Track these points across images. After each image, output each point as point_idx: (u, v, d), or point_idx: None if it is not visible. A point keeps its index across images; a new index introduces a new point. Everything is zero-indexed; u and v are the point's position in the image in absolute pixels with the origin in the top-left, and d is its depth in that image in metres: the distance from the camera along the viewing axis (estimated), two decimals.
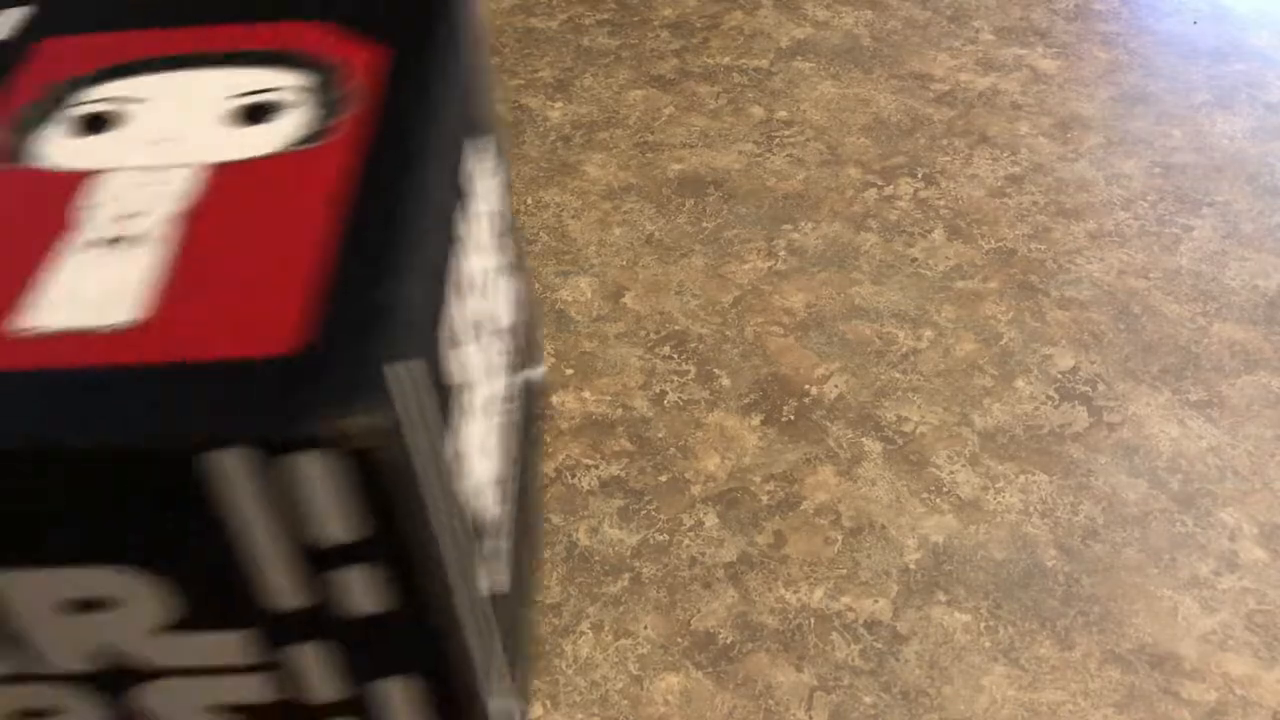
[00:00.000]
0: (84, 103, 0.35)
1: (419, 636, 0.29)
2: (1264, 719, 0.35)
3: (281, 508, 0.26)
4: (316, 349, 0.27)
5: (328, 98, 0.34)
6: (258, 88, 0.35)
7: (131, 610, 0.28)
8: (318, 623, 0.28)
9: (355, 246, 0.29)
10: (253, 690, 0.30)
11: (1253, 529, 0.43)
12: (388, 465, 0.26)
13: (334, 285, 0.28)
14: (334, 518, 0.26)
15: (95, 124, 0.34)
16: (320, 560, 0.27)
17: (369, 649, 0.29)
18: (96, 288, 0.28)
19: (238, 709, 0.31)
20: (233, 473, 0.25)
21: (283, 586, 0.28)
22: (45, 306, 0.28)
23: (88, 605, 0.28)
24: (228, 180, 0.31)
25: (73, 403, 0.26)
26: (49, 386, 0.26)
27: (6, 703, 0.30)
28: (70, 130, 0.34)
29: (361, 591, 0.28)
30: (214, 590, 0.28)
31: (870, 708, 0.35)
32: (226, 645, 0.29)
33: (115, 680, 0.30)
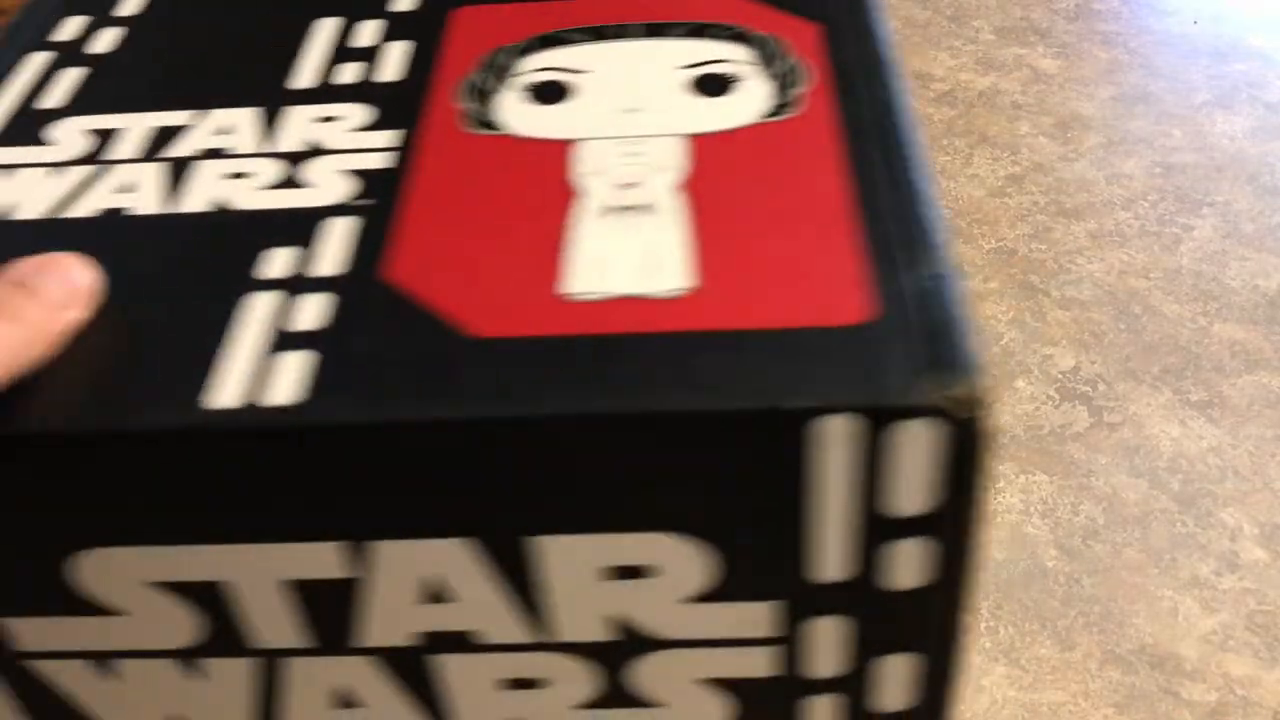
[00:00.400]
0: (528, 72, 0.35)
1: (941, 613, 0.29)
2: (1265, 719, 0.34)
3: (864, 477, 0.26)
4: (889, 318, 0.26)
5: (777, 70, 0.34)
6: (708, 59, 0.35)
7: (668, 579, 0.28)
8: (849, 596, 0.28)
9: (879, 216, 0.29)
10: (754, 664, 0.30)
11: (1253, 529, 0.43)
12: (976, 436, 0.25)
13: (878, 254, 0.28)
14: (911, 489, 0.26)
15: (549, 93, 0.34)
16: (878, 532, 0.27)
17: (888, 624, 0.29)
18: (630, 255, 0.28)
19: (728, 684, 0.30)
20: (832, 440, 0.25)
21: (833, 558, 0.27)
22: (583, 273, 0.28)
23: (626, 573, 0.28)
24: (715, 150, 0.31)
25: (659, 368, 0.25)
26: (622, 351, 0.26)
27: (494, 670, 0.30)
28: (526, 99, 0.34)
29: (906, 565, 0.27)
30: (759, 560, 0.27)
31: None
32: (749, 618, 0.29)
33: (618, 651, 0.30)
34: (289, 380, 0.26)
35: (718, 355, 0.26)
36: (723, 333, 0.26)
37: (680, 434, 0.25)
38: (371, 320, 0.27)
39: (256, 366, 0.26)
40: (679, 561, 0.27)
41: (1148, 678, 0.37)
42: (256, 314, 0.27)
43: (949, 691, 0.31)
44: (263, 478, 0.26)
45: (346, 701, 0.31)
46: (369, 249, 0.29)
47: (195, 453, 0.25)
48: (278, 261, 0.29)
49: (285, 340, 0.27)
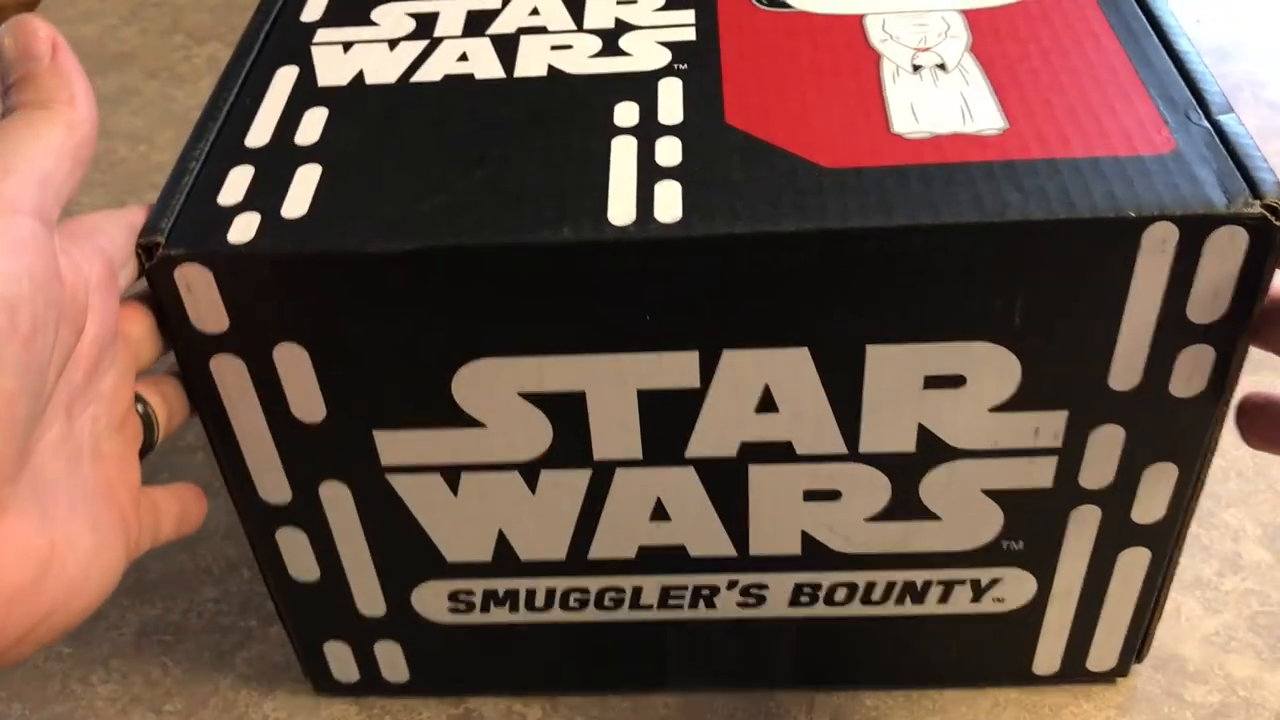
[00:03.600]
0: None
1: (1207, 423, 0.32)
2: None
3: (1175, 284, 0.29)
4: (1190, 147, 0.30)
5: None
6: None
7: (978, 386, 0.31)
8: (1136, 405, 0.32)
9: (1155, 70, 0.32)
10: (1033, 474, 0.33)
11: (1256, 530, 0.45)
12: (1272, 245, 0.29)
13: (1164, 99, 0.31)
14: (1209, 297, 0.29)
15: None
16: (1175, 339, 0.30)
17: (1161, 434, 0.32)
18: (943, 102, 0.32)
19: (1008, 495, 0.34)
20: (1155, 246, 0.29)
21: (1131, 366, 0.31)
22: (905, 116, 0.32)
23: (941, 381, 0.31)
24: (994, 22, 0.35)
25: (994, 186, 0.29)
26: (958, 175, 0.29)
27: (801, 481, 0.34)
28: None
29: (1191, 374, 0.31)
30: (1065, 368, 0.31)
31: (872, 709, 0.38)
32: (1043, 426, 0.32)
33: (916, 462, 0.33)
34: (667, 203, 0.30)
35: (1044, 178, 0.29)
36: (1044, 160, 0.30)
37: (1020, 243, 0.29)
38: (726, 157, 0.31)
39: (637, 193, 0.30)
40: (992, 369, 0.31)
41: (1150, 679, 0.40)
42: (623, 152, 0.31)
43: (1193, 507, 0.35)
44: (648, 287, 0.30)
45: (660, 513, 0.35)
46: (702, 102, 0.33)
47: (604, 263, 0.29)
48: (626, 113, 0.33)
49: (654, 172, 0.30)
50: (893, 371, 0.31)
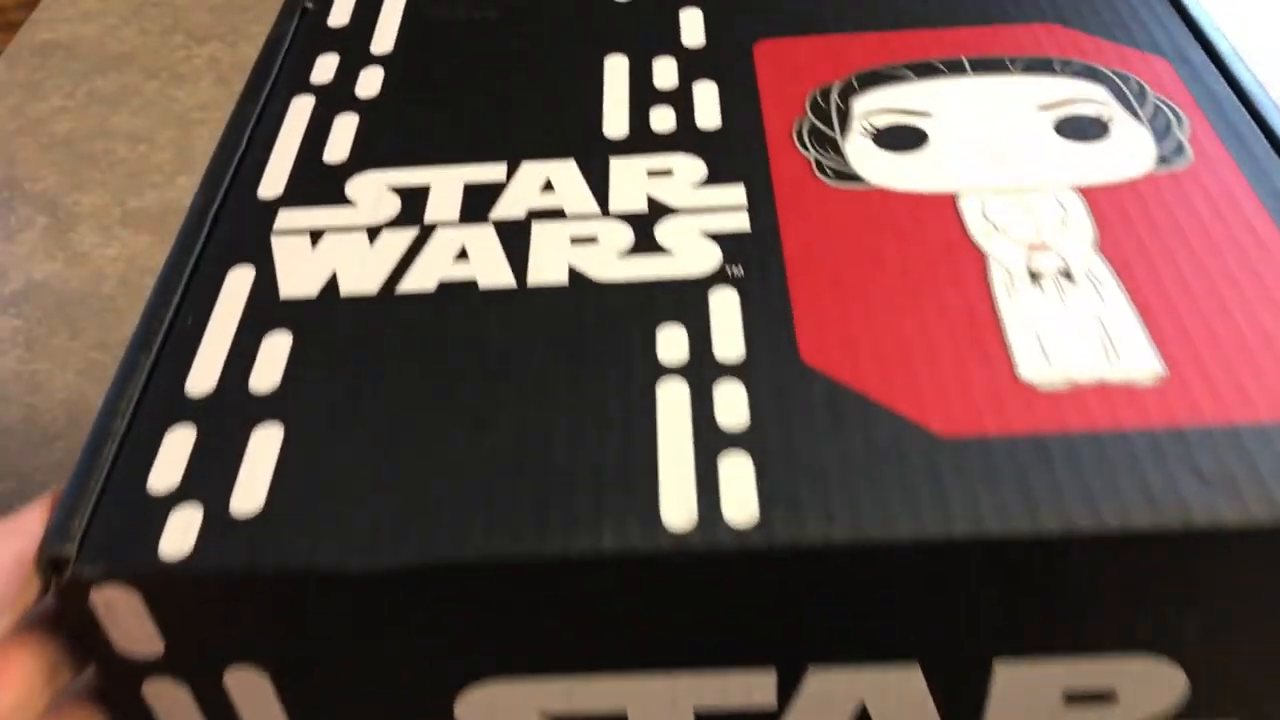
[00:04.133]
0: (867, 114, 0.32)
1: None
2: None
3: None
4: None
5: (1147, 111, 0.31)
6: (1068, 98, 0.31)
7: (1130, 702, 0.25)
8: None
9: None
10: None
11: None
12: None
13: None
14: None
15: (901, 139, 0.31)
16: None
17: None
18: (1079, 331, 0.25)
19: None
20: None
21: None
22: (1032, 354, 0.25)
23: (1085, 698, 0.25)
24: (1118, 205, 0.28)
25: (1162, 472, 0.22)
26: (1113, 451, 0.22)
27: None
28: (876, 145, 0.31)
29: None
30: (1235, 683, 0.24)
31: None
32: None
33: None
34: (737, 493, 0.23)
35: (1228, 454, 0.22)
36: (1223, 428, 0.23)
37: (1204, 552, 0.22)
38: (808, 418, 0.24)
39: (696, 474, 0.23)
40: (1151, 683, 0.24)
41: None
42: (673, 407, 0.24)
43: None
44: (714, 602, 0.23)
45: None
46: (768, 327, 0.26)
47: (657, 575, 0.22)
48: (672, 342, 0.26)
49: (715, 439, 0.23)
50: (1025, 688, 0.24)
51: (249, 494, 0.23)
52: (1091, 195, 0.28)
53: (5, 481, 0.48)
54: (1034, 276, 0.26)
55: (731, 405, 0.24)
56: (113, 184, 0.64)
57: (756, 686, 0.24)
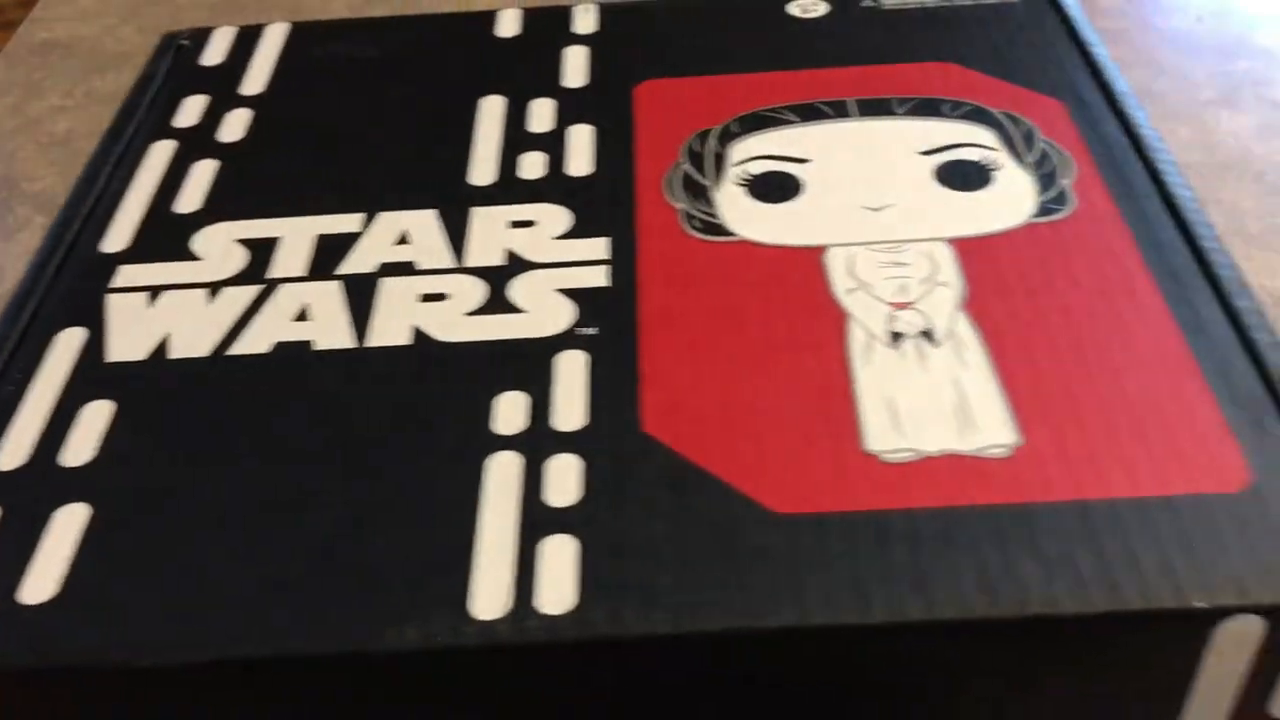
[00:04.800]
0: (743, 161, 0.30)
1: None
2: None
3: (1259, 680, 0.21)
4: (1271, 483, 0.22)
5: (1033, 157, 0.29)
6: (952, 143, 0.30)
7: None
8: None
9: (1212, 347, 0.24)
10: None
11: None
12: None
13: (1227, 395, 0.23)
14: None
15: (775, 188, 0.29)
16: None
17: None
18: (933, 399, 0.24)
19: None
20: (1233, 641, 0.21)
21: None
22: (882, 425, 0.23)
23: None
24: (990, 259, 0.27)
25: (1010, 553, 0.21)
26: (960, 531, 0.21)
27: None
28: (749, 195, 0.29)
29: None
30: None
31: None
32: None
33: None
34: (555, 578, 0.21)
35: (1074, 536, 0.21)
36: (1071, 504, 0.22)
37: (1042, 639, 0.21)
38: (641, 494, 0.22)
39: (516, 558, 0.22)
40: None
41: None
42: (501, 483, 0.23)
43: None
44: (524, 692, 0.21)
45: None
46: (612, 393, 0.24)
47: (466, 667, 0.21)
48: (511, 411, 0.24)
49: (541, 519, 0.22)
50: None
51: (42, 581, 0.22)
52: (965, 248, 0.27)
53: None
54: (895, 337, 0.25)
55: (562, 481, 0.23)
56: None
57: None
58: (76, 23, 0.77)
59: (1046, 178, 0.29)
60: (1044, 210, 0.28)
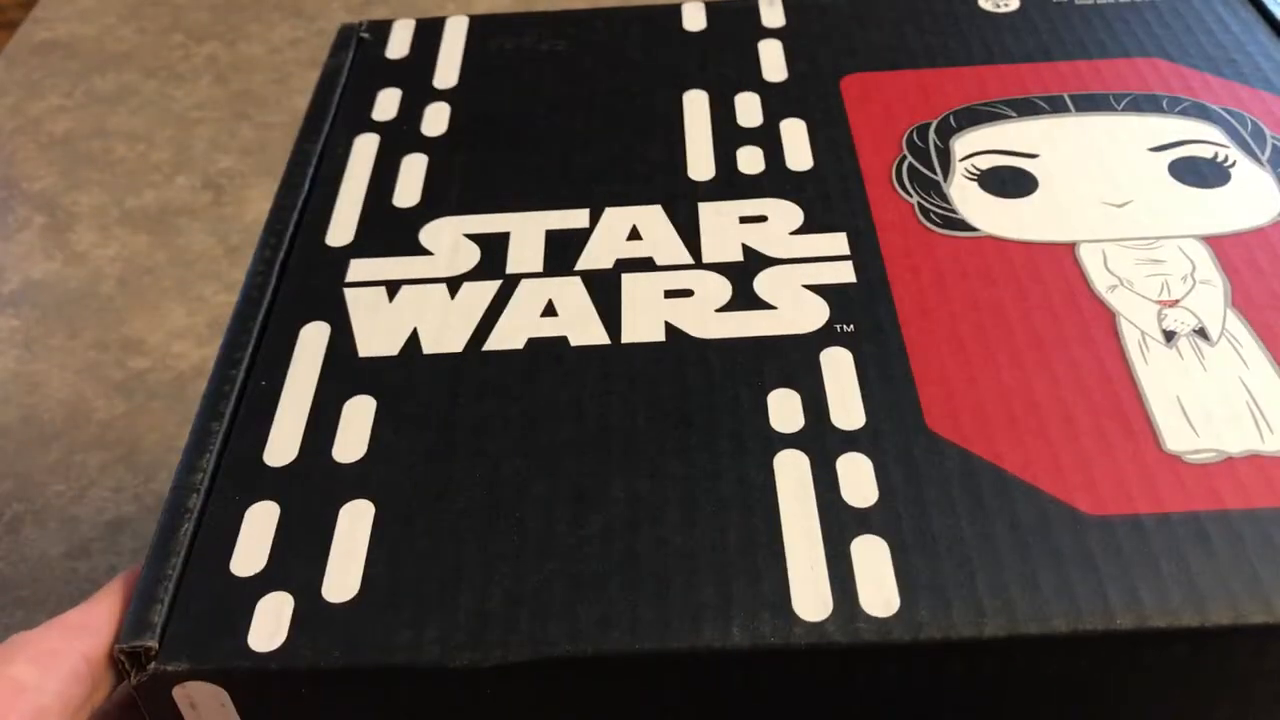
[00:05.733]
0: (970, 155, 0.30)
1: None
2: None
3: None
4: None
5: (1263, 152, 0.29)
6: (1182, 139, 0.30)
7: None
8: None
9: None
10: None
11: None
12: None
13: None
14: None
15: (1008, 182, 0.29)
16: None
17: None
18: (1223, 398, 0.23)
19: None
20: None
21: None
22: (1176, 425, 0.23)
23: None
24: (1248, 256, 0.26)
25: None
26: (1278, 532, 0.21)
27: None
28: (982, 189, 0.29)
29: None
30: None
31: None
32: None
33: None
34: (874, 580, 0.21)
35: None
36: None
37: None
38: (943, 495, 0.22)
39: (827, 560, 0.21)
40: None
41: None
42: (793, 485, 0.22)
43: None
44: (846, 695, 0.21)
45: None
46: (888, 393, 0.24)
47: (787, 670, 0.20)
48: (785, 409, 0.24)
49: (844, 522, 0.22)
50: None
51: (342, 580, 0.21)
52: (1218, 245, 0.27)
53: (4, 482, 0.47)
54: (1168, 336, 0.25)
55: (857, 482, 0.22)
56: (111, 183, 0.63)
57: None
58: (76, 23, 0.78)
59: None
60: None
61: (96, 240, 0.59)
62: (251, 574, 0.22)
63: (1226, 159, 0.29)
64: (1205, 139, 0.30)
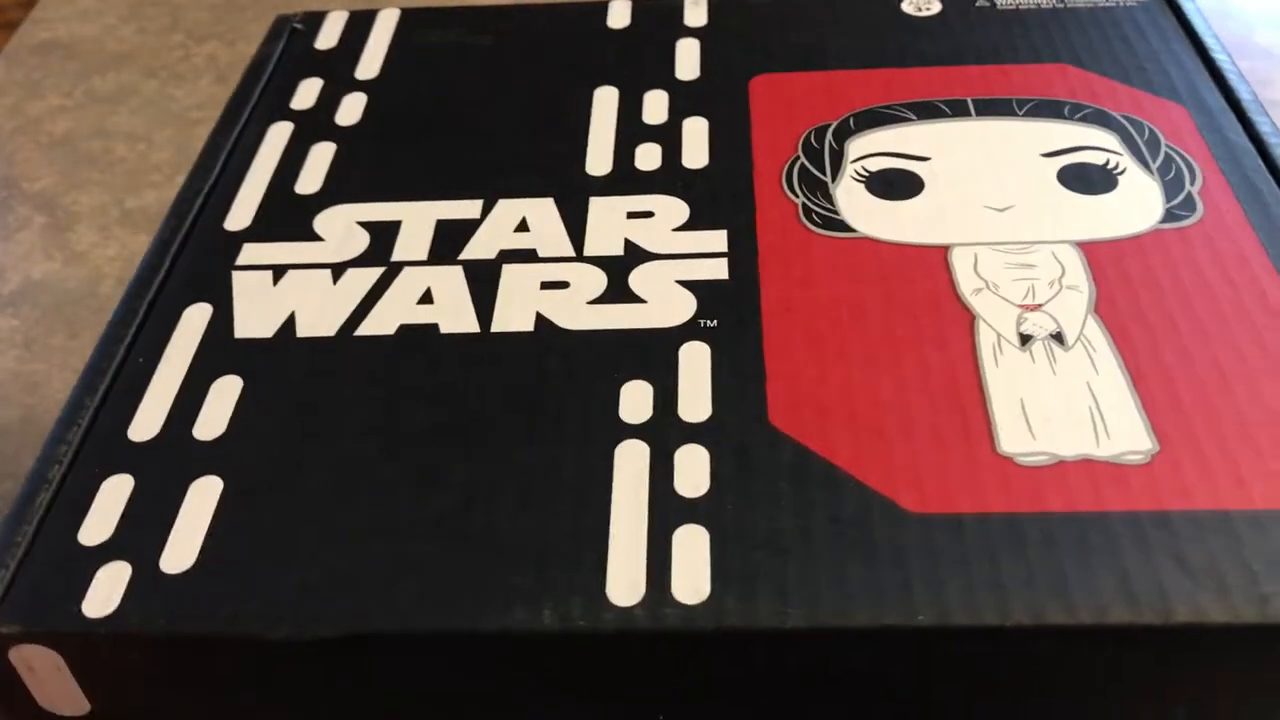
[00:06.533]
0: (861, 158, 0.30)
1: None
2: None
3: None
4: None
5: (1155, 160, 0.29)
6: (1075, 145, 0.30)
7: None
8: None
9: None
10: None
11: None
12: None
13: None
14: None
15: (894, 185, 0.29)
16: None
17: None
18: (1065, 403, 0.23)
19: None
20: None
21: None
22: (1013, 427, 0.23)
23: None
24: (1119, 264, 0.26)
25: (1145, 564, 0.20)
26: (1095, 536, 0.21)
27: None
28: (868, 191, 0.29)
29: None
30: None
31: None
32: None
33: None
34: (688, 567, 0.21)
35: (1215, 545, 0.21)
36: (1212, 513, 0.21)
37: (1186, 650, 0.20)
38: (770, 488, 0.22)
39: (648, 546, 0.22)
40: None
41: None
42: (630, 472, 0.23)
43: None
44: (656, 681, 0.21)
45: None
46: (737, 386, 0.24)
47: (598, 653, 0.21)
48: (636, 400, 0.24)
49: (671, 510, 0.22)
50: None
51: (180, 552, 0.22)
52: (1092, 251, 0.27)
53: (4, 482, 0.48)
54: (1024, 339, 0.25)
55: (691, 471, 0.23)
56: (111, 183, 0.63)
57: None
58: (76, 23, 0.78)
59: (1173, 183, 0.29)
60: (1171, 216, 0.28)
61: (96, 240, 0.60)
62: (96, 544, 0.22)
63: (1117, 166, 0.29)
64: (1099, 145, 0.30)
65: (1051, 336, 0.25)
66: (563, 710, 0.22)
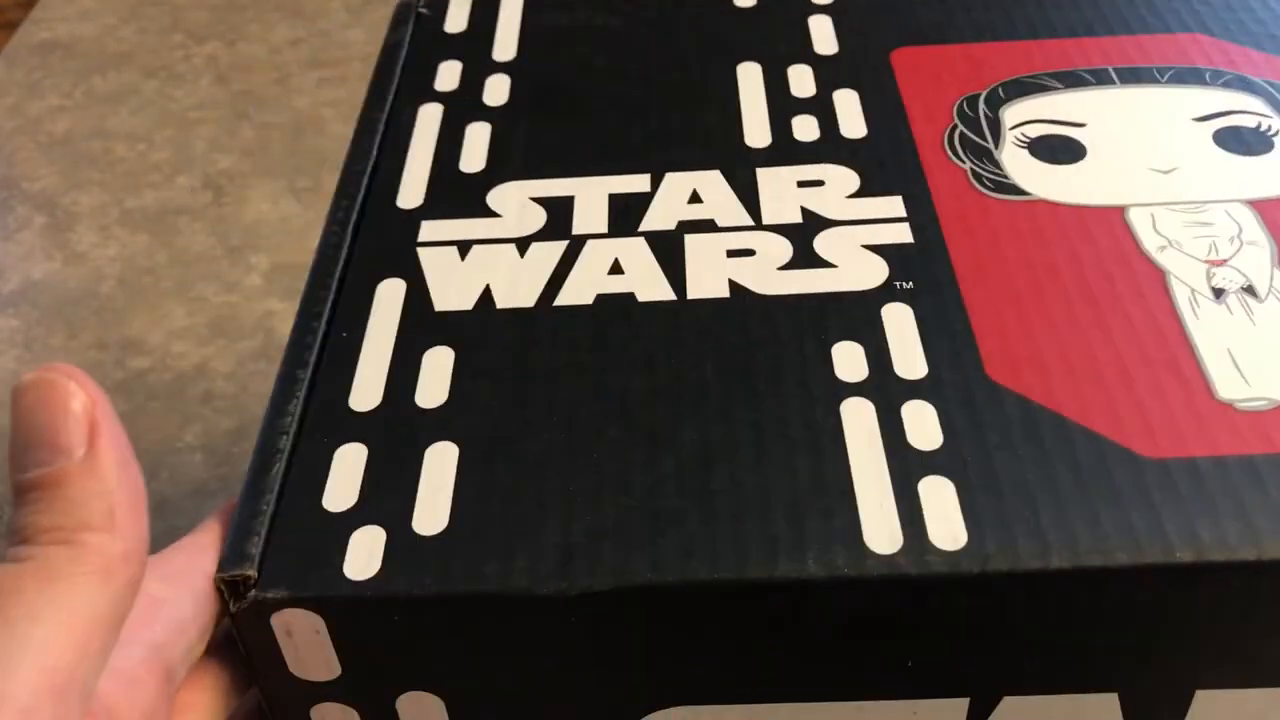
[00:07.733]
0: (1019, 125, 0.31)
1: None
2: None
3: None
4: None
5: None
6: (1225, 109, 0.31)
7: None
8: None
9: None
10: None
11: None
12: None
13: None
14: None
15: (1057, 150, 0.30)
16: None
17: None
18: (1269, 352, 0.24)
19: None
20: None
21: None
22: (1228, 375, 0.24)
23: None
24: None
25: None
26: None
27: None
28: (1032, 157, 0.30)
29: None
30: None
31: None
32: None
33: None
34: (941, 515, 0.22)
35: None
36: None
37: None
38: (1004, 438, 0.23)
39: (895, 497, 0.22)
40: None
41: None
42: (861, 428, 0.23)
43: None
44: (917, 628, 0.22)
45: None
46: (949, 344, 0.25)
47: (859, 602, 0.21)
48: (849, 359, 0.25)
49: (912, 463, 0.23)
50: (1224, 716, 0.23)
51: (431, 514, 0.22)
52: (1264, 209, 0.28)
53: (5, 484, 0.47)
54: (1217, 293, 0.26)
55: (922, 426, 0.23)
56: (111, 183, 0.63)
57: (947, 715, 0.23)
58: (76, 23, 0.78)
59: None
60: None
61: (96, 240, 0.60)
62: (343, 509, 0.23)
63: (1270, 128, 0.30)
64: (1248, 109, 0.31)
65: (1243, 289, 0.26)
66: (814, 662, 0.22)
